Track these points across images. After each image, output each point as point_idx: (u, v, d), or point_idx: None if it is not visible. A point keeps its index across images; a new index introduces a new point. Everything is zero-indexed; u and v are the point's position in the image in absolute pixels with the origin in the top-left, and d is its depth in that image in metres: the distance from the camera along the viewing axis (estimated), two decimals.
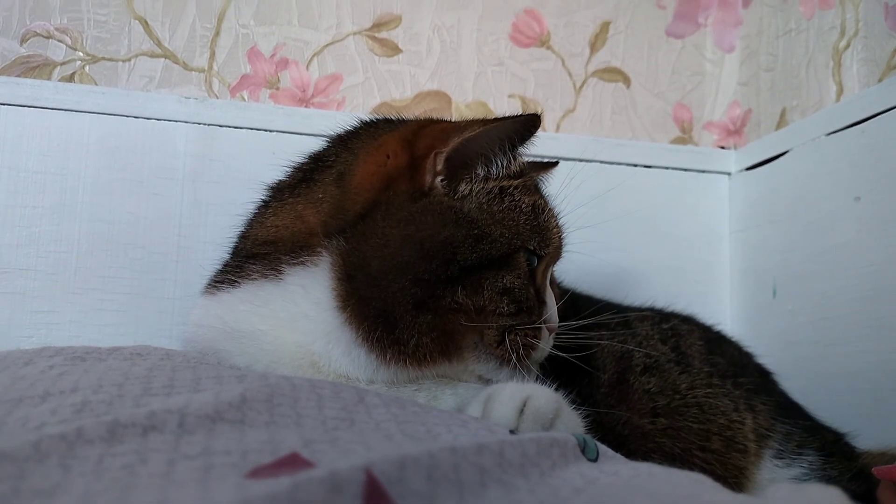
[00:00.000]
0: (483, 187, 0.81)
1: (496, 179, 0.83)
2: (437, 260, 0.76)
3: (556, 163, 1.04)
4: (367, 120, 0.93)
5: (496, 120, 0.80)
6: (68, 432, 0.47)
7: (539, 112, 0.83)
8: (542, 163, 1.01)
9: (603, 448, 0.65)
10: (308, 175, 0.88)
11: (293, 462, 0.46)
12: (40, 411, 0.52)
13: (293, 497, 0.40)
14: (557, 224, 0.87)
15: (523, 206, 0.83)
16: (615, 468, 0.59)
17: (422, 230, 0.78)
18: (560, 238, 0.87)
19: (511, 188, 0.83)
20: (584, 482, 0.53)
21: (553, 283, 0.91)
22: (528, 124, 0.81)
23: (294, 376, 0.67)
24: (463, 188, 0.81)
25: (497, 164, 0.83)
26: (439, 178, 0.80)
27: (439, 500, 0.45)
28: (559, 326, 0.85)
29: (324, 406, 0.59)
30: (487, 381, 0.80)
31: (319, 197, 0.84)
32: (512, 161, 0.83)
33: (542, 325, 0.80)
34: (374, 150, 0.84)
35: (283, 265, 0.81)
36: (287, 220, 0.85)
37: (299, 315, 0.79)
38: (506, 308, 0.78)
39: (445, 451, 0.49)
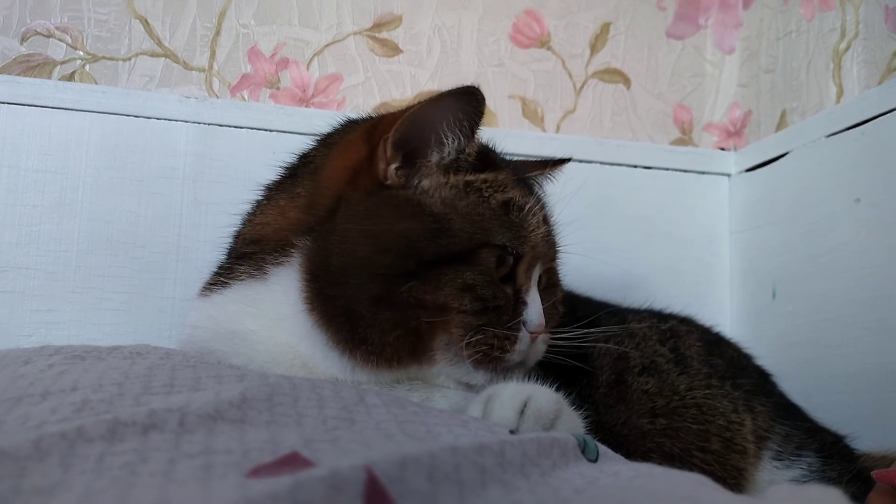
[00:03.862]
0: (446, 181, 0.79)
1: (460, 173, 0.80)
2: (393, 254, 0.75)
3: (568, 159, 1.02)
4: (351, 118, 0.93)
5: (434, 97, 0.78)
6: (69, 431, 0.47)
7: (477, 84, 0.76)
8: (548, 160, 0.99)
9: (603, 448, 0.65)
10: (293, 173, 0.89)
11: (294, 461, 0.46)
12: (40, 410, 0.52)
13: (294, 496, 0.40)
14: (541, 222, 0.83)
15: (492, 201, 0.80)
16: (615, 468, 0.59)
17: (378, 224, 0.77)
18: (543, 237, 0.83)
19: (478, 182, 0.80)
20: (585, 482, 0.53)
21: (554, 285, 0.90)
22: (467, 97, 0.77)
23: (294, 376, 0.67)
24: (425, 183, 0.79)
25: (451, 147, 0.79)
26: (393, 167, 0.79)
27: (440, 499, 0.45)
28: (555, 334, 0.83)
29: (324, 405, 0.59)
30: (469, 387, 0.78)
31: (298, 193, 0.85)
32: (465, 141, 0.79)
33: (521, 327, 0.78)
34: (342, 145, 0.85)
35: (267, 265, 0.81)
36: (271, 218, 0.86)
37: (283, 316, 0.79)
38: (468, 305, 0.75)
39: (446, 451, 0.49)
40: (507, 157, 0.93)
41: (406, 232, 0.76)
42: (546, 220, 0.85)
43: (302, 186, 0.85)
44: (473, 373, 0.77)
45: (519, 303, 0.79)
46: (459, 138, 0.79)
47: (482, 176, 0.81)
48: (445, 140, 0.79)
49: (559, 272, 0.92)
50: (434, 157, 0.80)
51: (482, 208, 0.79)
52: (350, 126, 0.90)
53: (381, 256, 0.75)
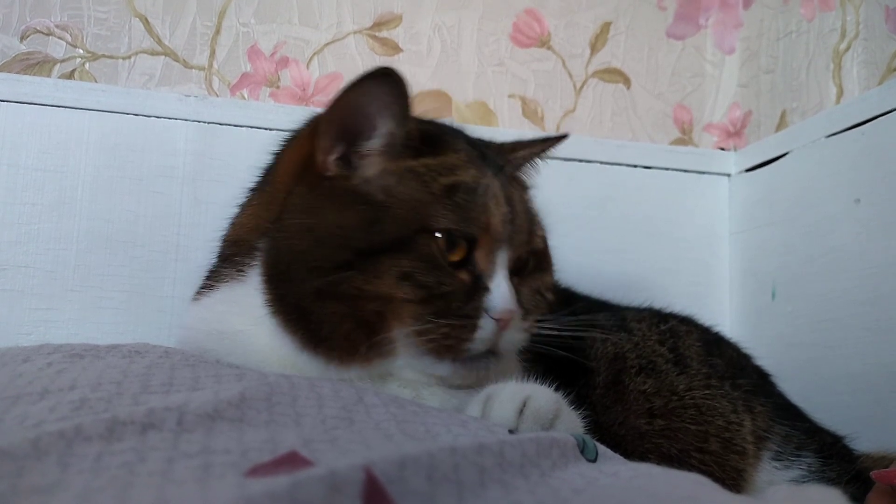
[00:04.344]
0: (387, 168, 0.77)
1: (402, 158, 0.78)
2: (329, 245, 0.75)
3: (564, 136, 0.96)
4: (318, 112, 0.91)
5: (352, 82, 0.76)
6: (67, 430, 0.47)
7: (391, 66, 0.74)
8: (541, 139, 0.94)
9: (602, 448, 0.65)
10: (265, 172, 0.90)
11: (293, 461, 0.46)
12: (39, 409, 0.52)
13: (293, 495, 0.40)
14: (502, 203, 0.78)
15: (434, 185, 0.76)
16: (615, 469, 0.58)
17: (315, 216, 0.77)
18: (504, 219, 0.78)
19: (420, 167, 0.77)
20: (584, 482, 0.53)
21: (543, 270, 0.86)
22: (383, 79, 0.75)
23: (293, 375, 0.67)
24: (366, 172, 0.77)
25: (384, 132, 0.77)
26: (332, 158, 0.78)
27: (439, 499, 0.45)
28: (540, 322, 0.81)
29: (323, 405, 0.59)
30: (442, 380, 0.77)
31: (265, 192, 0.86)
32: (398, 125, 0.77)
33: (482, 313, 0.75)
34: (295, 141, 0.85)
35: (245, 266, 0.82)
36: (245, 219, 0.87)
37: (259, 317, 0.79)
38: (411, 294, 0.73)
39: (445, 451, 0.49)
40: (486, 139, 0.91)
41: (341, 222, 0.75)
42: (510, 201, 0.80)
43: (267, 185, 0.86)
44: (436, 364, 0.76)
45: (479, 288, 0.76)
46: (390, 122, 0.77)
47: (426, 161, 0.78)
48: (376, 125, 0.77)
49: (549, 257, 0.88)
50: (369, 144, 0.78)
51: (422, 193, 0.76)
52: (310, 120, 0.89)
53: (317, 249, 0.75)
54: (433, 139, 0.81)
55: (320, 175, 0.79)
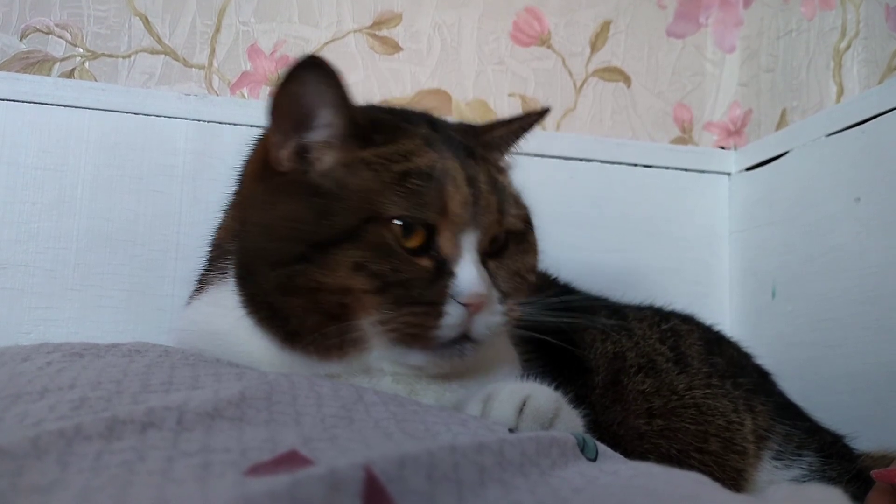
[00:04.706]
0: (338, 159, 0.77)
1: (352, 148, 0.77)
2: (283, 240, 0.75)
3: (546, 110, 0.94)
4: None
5: (283, 73, 0.75)
6: (67, 429, 0.47)
7: (314, 53, 0.74)
8: (518, 117, 0.92)
9: (602, 447, 0.65)
10: (239, 174, 0.90)
11: (292, 459, 0.46)
12: (38, 408, 0.52)
13: (292, 494, 0.40)
14: (462, 184, 0.76)
15: (385, 173, 0.75)
16: (615, 467, 0.58)
17: (270, 212, 0.78)
18: (465, 201, 0.76)
19: (370, 156, 0.76)
20: (584, 481, 0.53)
21: (524, 252, 0.83)
22: (312, 67, 0.74)
23: (293, 374, 0.67)
24: (318, 164, 0.77)
25: (326, 122, 0.77)
26: (285, 153, 0.78)
27: (439, 498, 0.45)
28: (520, 305, 0.79)
29: (323, 404, 0.59)
30: (420, 371, 0.77)
31: (237, 193, 0.87)
32: (339, 114, 0.76)
33: (448, 299, 0.73)
34: (258, 141, 0.85)
35: (226, 268, 0.83)
36: (224, 222, 0.88)
37: (240, 318, 0.79)
38: (367, 285, 0.72)
39: (445, 450, 0.49)
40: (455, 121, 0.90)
41: (292, 216, 0.75)
42: (473, 182, 0.77)
43: (237, 187, 0.87)
44: (408, 353, 0.75)
45: (443, 274, 0.74)
46: (328, 111, 0.76)
47: (378, 149, 0.77)
48: (315, 115, 0.77)
49: (532, 238, 0.86)
50: (314, 136, 0.78)
51: (372, 182, 0.75)
52: None
53: (273, 244, 0.75)
54: (387, 127, 0.80)
55: (276, 172, 0.79)
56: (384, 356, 0.76)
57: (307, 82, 0.75)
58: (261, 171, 0.81)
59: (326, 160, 0.77)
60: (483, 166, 0.81)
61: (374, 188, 0.74)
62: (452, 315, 0.73)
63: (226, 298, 0.80)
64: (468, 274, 0.74)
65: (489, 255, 0.79)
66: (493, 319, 0.76)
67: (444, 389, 0.79)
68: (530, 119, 0.91)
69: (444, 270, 0.74)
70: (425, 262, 0.74)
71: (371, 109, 0.86)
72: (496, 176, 0.82)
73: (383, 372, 0.77)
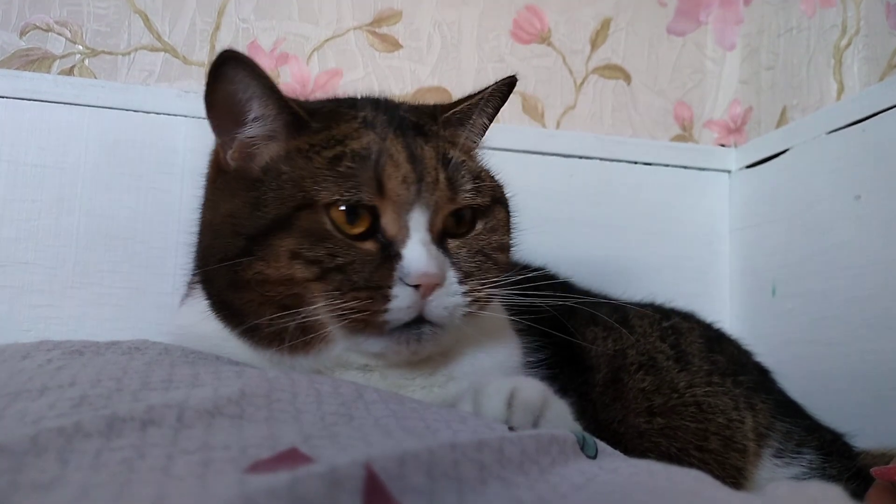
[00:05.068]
0: (276, 151, 0.77)
1: (287, 138, 0.77)
2: (225, 235, 0.75)
3: (510, 78, 0.88)
4: None
5: (208, 75, 0.76)
6: (66, 426, 0.47)
7: (229, 48, 0.74)
8: (482, 89, 0.87)
9: (602, 445, 0.65)
10: None
11: (292, 457, 0.46)
12: (38, 405, 0.52)
13: (293, 492, 0.40)
14: (403, 162, 0.74)
15: (317, 159, 0.74)
16: (615, 465, 0.58)
17: (214, 210, 0.79)
18: (406, 180, 0.74)
19: (303, 143, 0.76)
20: (584, 479, 0.53)
21: (493, 231, 0.80)
22: (232, 62, 0.74)
23: (292, 372, 0.67)
24: (258, 159, 0.77)
25: (258, 115, 0.76)
26: (230, 153, 0.79)
27: (439, 496, 0.45)
28: (484, 285, 0.76)
29: (322, 402, 0.59)
30: (386, 359, 0.76)
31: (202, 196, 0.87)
32: (269, 105, 0.76)
33: (396, 282, 0.71)
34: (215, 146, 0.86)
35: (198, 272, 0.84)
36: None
37: (213, 318, 0.80)
38: (307, 272, 0.71)
39: (445, 448, 0.49)
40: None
41: (232, 211, 0.76)
42: (417, 159, 0.75)
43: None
44: (365, 341, 0.73)
45: (390, 257, 0.72)
46: (256, 104, 0.76)
47: (313, 136, 0.76)
48: (246, 110, 0.77)
49: (502, 215, 0.83)
50: (249, 131, 0.78)
51: (303, 169, 0.74)
52: None
53: (218, 241, 0.76)
54: (325, 113, 0.79)
55: (225, 172, 0.80)
56: (349, 346, 0.75)
57: (229, 77, 0.75)
58: (214, 173, 0.82)
59: (266, 153, 0.77)
60: (434, 143, 0.78)
61: (305, 175, 0.74)
62: (401, 298, 0.71)
63: (202, 302, 0.81)
64: (415, 254, 0.72)
65: (452, 234, 0.77)
66: (450, 300, 0.74)
67: (430, 384, 0.79)
68: (494, 89, 0.87)
69: (390, 253, 0.73)
70: (369, 246, 0.73)
71: (309, 102, 0.84)
72: (449, 152, 0.79)
73: (370, 367, 0.77)
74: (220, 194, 0.79)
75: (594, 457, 0.62)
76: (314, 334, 0.73)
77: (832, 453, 0.96)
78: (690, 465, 0.89)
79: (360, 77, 1.44)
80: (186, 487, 0.42)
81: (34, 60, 1.29)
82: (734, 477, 0.92)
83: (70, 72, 1.31)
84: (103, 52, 1.33)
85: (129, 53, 1.34)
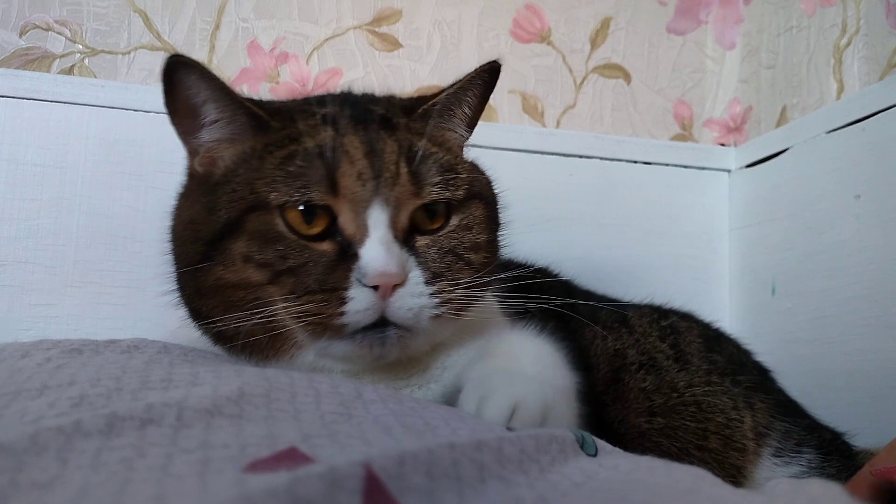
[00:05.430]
0: (234, 153, 0.76)
1: (245, 140, 0.75)
2: (185, 241, 0.75)
3: (492, 63, 0.86)
4: None
5: (162, 83, 0.75)
6: (66, 425, 0.47)
7: (176, 52, 0.73)
8: (467, 74, 0.84)
9: (601, 443, 0.65)
10: None
11: (292, 456, 0.46)
12: (38, 404, 0.52)
13: (292, 491, 0.40)
14: (360, 158, 0.72)
15: (268, 161, 0.72)
16: (615, 462, 0.58)
17: (177, 217, 0.78)
18: (362, 176, 0.71)
19: (258, 144, 0.74)
20: (584, 476, 0.53)
21: (467, 228, 0.77)
22: (182, 67, 0.73)
23: (291, 371, 0.67)
24: (220, 163, 0.76)
25: (213, 118, 0.75)
26: (197, 159, 0.78)
27: (438, 495, 0.45)
28: (457, 285, 0.73)
29: (321, 401, 0.59)
30: (358, 364, 0.73)
31: None
32: (221, 106, 0.75)
33: (353, 283, 0.69)
34: None
35: None
36: None
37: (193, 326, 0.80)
38: (260, 276, 0.70)
39: (444, 448, 0.49)
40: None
41: (192, 216, 0.75)
42: (376, 154, 0.72)
43: None
44: (329, 344, 0.71)
45: (347, 257, 0.70)
46: (210, 107, 0.75)
47: (268, 136, 0.75)
48: (201, 113, 0.76)
49: (478, 211, 0.79)
50: (213, 134, 0.77)
51: (257, 171, 0.72)
52: None
53: (181, 248, 0.76)
54: (285, 112, 0.77)
55: (193, 177, 0.80)
56: (315, 350, 0.73)
57: (182, 83, 0.74)
58: (187, 181, 0.81)
59: (228, 156, 0.76)
60: (399, 136, 0.75)
61: (257, 176, 0.72)
62: (358, 300, 0.68)
63: (182, 308, 0.81)
64: (372, 253, 0.69)
65: (424, 231, 0.74)
66: (415, 302, 0.70)
67: (415, 389, 0.78)
68: (473, 77, 0.83)
69: (348, 253, 0.70)
70: (326, 246, 0.70)
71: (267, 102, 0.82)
72: (416, 144, 0.75)
73: (351, 372, 0.75)
74: (184, 201, 0.79)
75: (594, 455, 0.62)
76: (284, 339, 0.72)
77: (831, 452, 0.96)
78: (690, 463, 0.89)
79: (360, 76, 1.44)
80: (186, 486, 0.42)
81: (34, 60, 1.29)
82: (734, 476, 0.92)
83: (70, 71, 1.31)
84: (103, 51, 1.33)
85: (128, 53, 1.34)
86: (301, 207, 0.70)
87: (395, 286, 0.69)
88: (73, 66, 1.31)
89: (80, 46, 1.32)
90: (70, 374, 0.58)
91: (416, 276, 0.71)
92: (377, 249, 0.69)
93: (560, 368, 0.81)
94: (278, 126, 0.75)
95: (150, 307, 1.24)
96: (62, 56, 1.31)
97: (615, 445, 0.71)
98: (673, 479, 0.55)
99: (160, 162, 1.26)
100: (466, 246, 0.76)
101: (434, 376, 0.79)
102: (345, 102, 0.79)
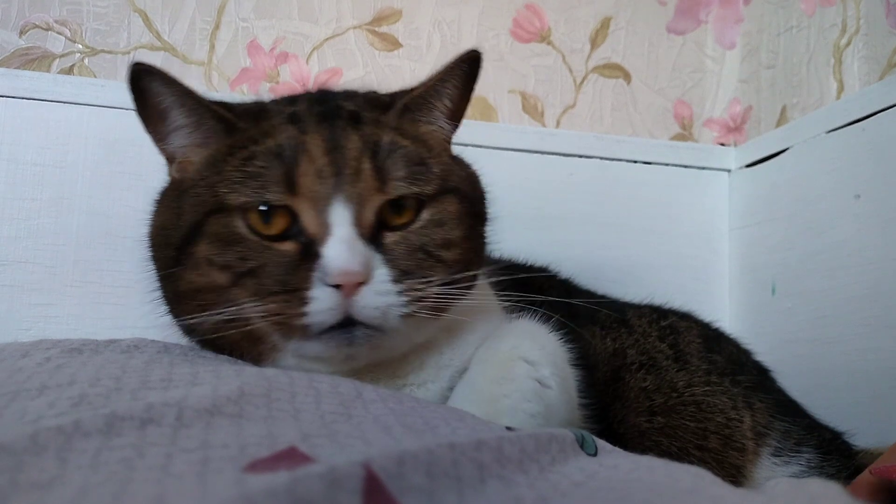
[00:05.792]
0: (202, 157, 0.76)
1: (211, 145, 0.75)
2: (160, 246, 0.76)
3: (472, 52, 0.82)
4: None
5: (131, 91, 0.75)
6: (66, 425, 0.47)
7: (138, 60, 0.74)
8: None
9: (601, 443, 0.65)
10: None
11: (291, 456, 0.46)
12: (37, 404, 0.52)
13: (292, 491, 0.40)
14: (319, 155, 0.70)
15: (229, 162, 0.72)
16: (615, 461, 0.58)
17: (152, 223, 0.79)
18: (321, 173, 0.70)
19: (223, 148, 0.74)
20: (584, 476, 0.53)
21: (439, 224, 0.74)
22: (141, 76, 0.74)
23: (291, 371, 0.67)
24: (190, 168, 0.77)
25: (179, 123, 0.76)
26: (173, 165, 0.79)
27: (438, 495, 0.45)
28: (429, 283, 0.71)
29: (321, 400, 0.59)
30: (333, 366, 0.72)
31: None
32: (185, 110, 0.75)
33: (314, 283, 0.68)
34: None
35: None
36: None
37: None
38: (223, 278, 0.70)
39: (444, 447, 0.49)
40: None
41: (162, 222, 0.76)
42: (337, 150, 0.71)
43: None
44: (303, 344, 0.70)
45: (309, 256, 0.69)
46: (175, 112, 0.75)
47: (232, 139, 0.74)
48: (168, 118, 0.76)
49: (453, 206, 0.76)
50: (182, 140, 0.77)
51: (219, 174, 0.72)
52: None
53: (156, 252, 0.77)
54: (251, 113, 0.77)
55: (170, 184, 0.80)
56: (291, 351, 0.72)
57: (148, 90, 0.75)
58: (161, 188, 0.82)
59: (196, 161, 0.77)
60: (366, 131, 0.73)
61: (219, 179, 0.72)
62: (321, 299, 0.67)
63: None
64: (334, 252, 0.68)
65: (393, 227, 0.73)
66: (381, 300, 0.69)
67: (420, 392, 0.78)
68: (451, 67, 0.81)
69: (311, 252, 0.69)
70: (287, 247, 0.70)
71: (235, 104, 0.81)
72: (382, 138, 0.73)
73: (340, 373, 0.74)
74: (158, 206, 0.79)
75: (594, 454, 0.62)
76: (259, 341, 0.72)
77: (831, 452, 0.96)
78: (690, 463, 0.89)
79: (360, 76, 1.44)
80: (185, 486, 0.42)
81: (34, 59, 1.29)
82: (733, 476, 0.92)
83: (70, 71, 1.31)
84: (103, 51, 1.33)
85: (128, 52, 1.34)
86: (264, 208, 0.70)
87: (360, 284, 0.68)
88: (72, 66, 1.31)
89: (80, 46, 1.32)
90: (70, 374, 0.58)
91: (382, 273, 0.70)
92: (339, 247, 0.68)
93: (564, 360, 0.82)
94: (244, 127, 0.75)
95: (150, 307, 1.24)
96: (62, 56, 1.31)
97: (615, 445, 0.71)
98: (673, 479, 0.55)
99: (160, 162, 1.25)
100: (437, 242, 0.74)
101: (431, 375, 0.79)
102: (316, 100, 0.79)
